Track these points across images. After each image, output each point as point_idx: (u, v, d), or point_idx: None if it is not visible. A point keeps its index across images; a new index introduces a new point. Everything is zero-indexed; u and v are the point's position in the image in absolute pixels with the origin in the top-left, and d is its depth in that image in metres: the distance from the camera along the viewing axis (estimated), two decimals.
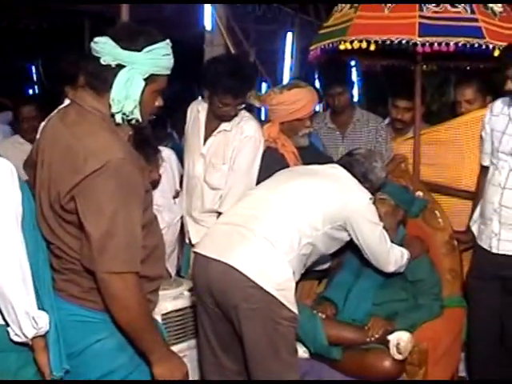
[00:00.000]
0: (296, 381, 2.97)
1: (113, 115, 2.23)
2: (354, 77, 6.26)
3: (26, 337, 2.17)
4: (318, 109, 5.52)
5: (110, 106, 2.21)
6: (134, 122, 2.25)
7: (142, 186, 2.23)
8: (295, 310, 2.88)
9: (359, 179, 3.23)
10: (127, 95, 2.19)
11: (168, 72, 2.28)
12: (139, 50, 2.18)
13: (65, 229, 2.21)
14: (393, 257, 3.27)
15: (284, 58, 6.46)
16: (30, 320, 2.15)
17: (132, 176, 2.17)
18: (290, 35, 6.49)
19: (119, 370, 2.29)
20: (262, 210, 3.00)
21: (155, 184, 3.61)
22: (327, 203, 3.04)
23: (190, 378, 3.37)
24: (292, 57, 6.45)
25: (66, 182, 2.14)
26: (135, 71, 2.18)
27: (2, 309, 2.18)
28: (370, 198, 3.16)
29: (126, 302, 2.17)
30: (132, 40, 2.19)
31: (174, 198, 3.86)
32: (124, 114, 2.21)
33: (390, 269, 3.30)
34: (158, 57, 2.21)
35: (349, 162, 3.30)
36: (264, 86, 6.48)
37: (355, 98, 6.34)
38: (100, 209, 2.11)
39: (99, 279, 2.15)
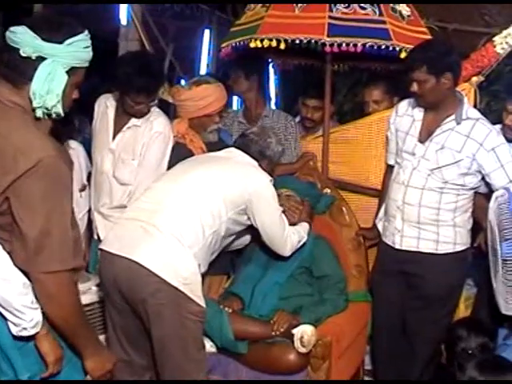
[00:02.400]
0: None
1: (33, 109, 2.18)
2: (272, 76, 6.34)
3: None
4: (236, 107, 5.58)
5: (29, 99, 2.15)
6: (54, 115, 2.21)
7: (71, 180, 2.22)
8: (202, 304, 2.90)
9: (257, 158, 3.27)
10: (49, 89, 2.14)
11: (87, 64, 2.25)
12: (61, 42, 2.13)
13: None
14: (289, 241, 3.31)
15: (201, 55, 6.46)
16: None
17: (63, 172, 2.15)
18: (207, 32, 6.49)
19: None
20: (164, 203, 3.00)
21: None
22: (227, 189, 3.05)
23: None
24: (209, 54, 6.46)
25: None
26: (57, 64, 2.13)
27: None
28: (270, 180, 3.18)
29: (62, 300, 2.16)
30: (53, 31, 2.12)
31: (81, 191, 3.81)
32: (46, 108, 2.17)
33: (286, 253, 3.34)
34: (80, 49, 2.18)
35: (244, 144, 3.32)
36: (182, 82, 6.45)
37: (272, 97, 6.40)
38: (34, 208, 2.08)
39: (34, 279, 2.13)
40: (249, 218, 3.16)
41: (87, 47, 2.21)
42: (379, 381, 3.77)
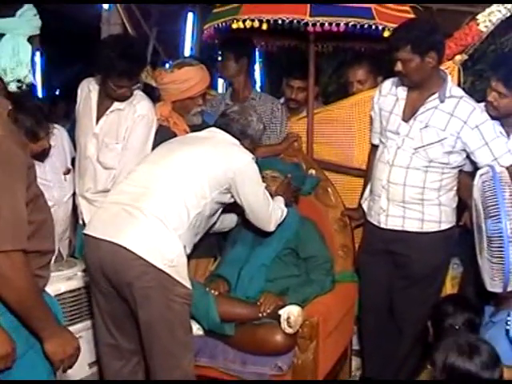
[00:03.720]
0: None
1: (6, 85, 2.17)
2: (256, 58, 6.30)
3: None
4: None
5: None
6: (24, 87, 2.22)
7: (25, 162, 2.18)
8: (189, 286, 2.90)
9: (238, 137, 3.25)
10: (18, 61, 2.15)
11: (39, 31, 2.25)
12: (13, 15, 2.14)
13: None
14: (274, 217, 3.32)
15: (185, 39, 6.41)
16: None
17: (13, 153, 2.12)
18: (190, 16, 6.43)
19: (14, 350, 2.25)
20: (147, 186, 2.98)
21: (46, 153, 3.58)
22: (210, 170, 3.04)
23: (88, 361, 3.39)
24: (193, 37, 6.41)
25: None
26: (17, 36, 2.14)
27: None
28: (252, 158, 3.17)
29: (14, 281, 2.12)
30: (2, 8, 2.14)
31: (65, 174, 3.78)
32: (18, 80, 2.17)
33: (271, 228, 3.35)
34: (32, 18, 2.20)
35: (225, 123, 3.30)
36: (167, 66, 6.41)
37: (257, 80, 6.37)
38: None
39: None
40: (232, 197, 3.15)
41: (36, 15, 2.23)
42: (380, 380, 3.76)
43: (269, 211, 3.27)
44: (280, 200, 3.47)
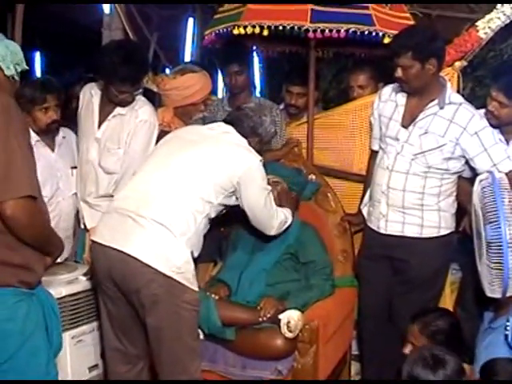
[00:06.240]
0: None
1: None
2: (256, 63, 6.32)
3: None
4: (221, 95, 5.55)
5: None
6: (19, 69, 2.35)
7: (27, 129, 2.38)
8: (197, 290, 2.92)
9: (247, 135, 3.19)
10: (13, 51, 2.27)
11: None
12: None
13: None
14: (276, 222, 3.29)
15: (185, 44, 6.44)
16: None
17: (18, 111, 2.30)
18: (191, 21, 6.46)
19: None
20: (152, 192, 2.96)
21: (56, 127, 3.70)
22: (217, 174, 3.00)
23: (88, 365, 3.41)
24: (193, 42, 6.44)
25: None
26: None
27: None
28: (261, 160, 3.13)
29: (32, 223, 2.30)
30: None
31: (72, 168, 3.80)
32: (17, 63, 2.28)
33: (273, 233, 3.32)
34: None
35: (237, 117, 3.26)
36: (167, 71, 6.43)
37: (257, 85, 6.38)
38: None
39: (3, 208, 2.20)
40: (237, 199, 3.12)
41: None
42: (380, 381, 3.77)
43: (271, 216, 3.25)
44: (287, 209, 3.45)
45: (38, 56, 7.90)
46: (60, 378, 2.82)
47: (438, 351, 2.53)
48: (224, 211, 3.18)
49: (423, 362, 2.46)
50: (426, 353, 2.52)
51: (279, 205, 3.41)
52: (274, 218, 3.28)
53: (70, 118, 3.94)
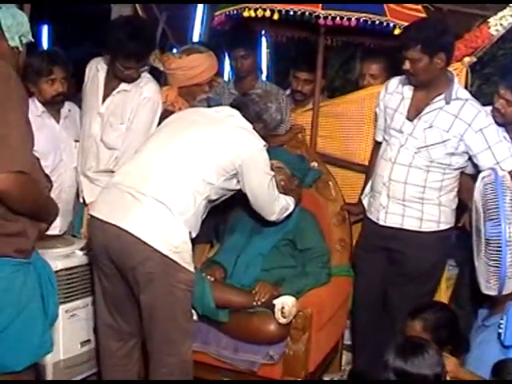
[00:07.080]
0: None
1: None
2: (264, 47, 6.29)
3: None
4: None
5: None
6: (25, 41, 2.35)
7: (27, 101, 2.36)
8: (192, 271, 2.91)
9: (252, 120, 3.18)
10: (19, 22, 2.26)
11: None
12: None
13: None
14: (278, 207, 3.28)
15: (194, 25, 6.40)
16: None
17: (18, 83, 2.27)
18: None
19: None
20: (153, 168, 2.95)
21: (61, 99, 3.70)
22: (219, 156, 3.00)
23: (80, 340, 3.41)
24: (202, 23, 6.40)
25: None
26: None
27: None
28: (264, 145, 3.12)
29: (27, 196, 2.29)
30: None
31: (75, 141, 3.79)
32: (22, 35, 2.27)
33: (273, 218, 3.32)
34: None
35: (243, 102, 3.25)
36: (174, 51, 6.39)
37: (264, 70, 6.35)
38: None
39: None
40: (238, 182, 3.11)
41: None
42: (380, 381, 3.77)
43: (273, 200, 3.24)
44: (291, 197, 3.44)
45: (45, 29, 7.88)
46: (52, 353, 2.83)
47: (416, 339, 2.55)
48: (224, 198, 3.17)
49: (400, 351, 2.47)
50: (403, 342, 2.54)
51: (283, 192, 3.40)
52: (275, 203, 3.27)
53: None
